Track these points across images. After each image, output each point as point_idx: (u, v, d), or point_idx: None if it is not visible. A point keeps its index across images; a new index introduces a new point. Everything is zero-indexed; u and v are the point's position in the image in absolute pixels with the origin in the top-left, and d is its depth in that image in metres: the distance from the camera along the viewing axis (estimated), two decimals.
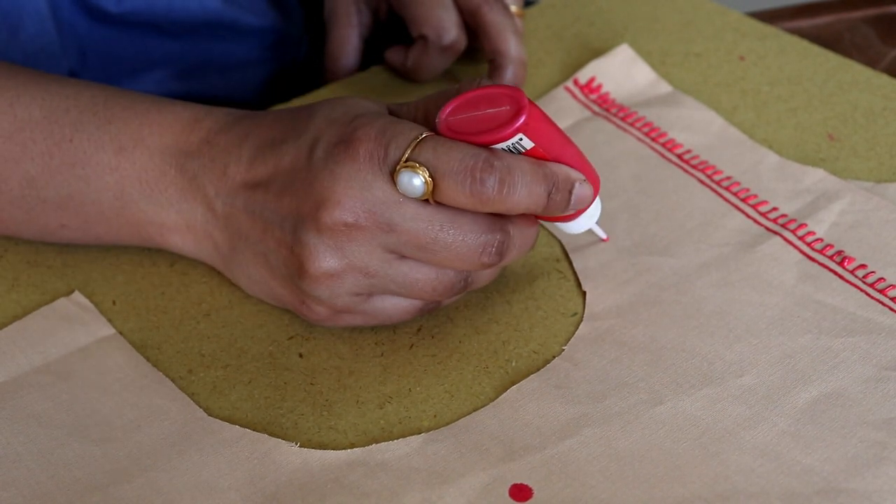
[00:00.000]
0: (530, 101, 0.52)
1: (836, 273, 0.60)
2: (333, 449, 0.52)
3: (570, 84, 0.76)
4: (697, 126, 0.71)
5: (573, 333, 0.58)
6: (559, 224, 0.59)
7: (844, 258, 0.61)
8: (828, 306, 0.59)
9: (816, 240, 0.62)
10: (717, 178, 0.67)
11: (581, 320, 0.59)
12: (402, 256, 0.54)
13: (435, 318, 0.59)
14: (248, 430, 0.53)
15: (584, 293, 0.60)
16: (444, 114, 0.53)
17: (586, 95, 0.75)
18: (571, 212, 0.55)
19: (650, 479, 0.50)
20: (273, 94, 0.88)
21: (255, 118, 0.58)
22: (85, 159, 0.59)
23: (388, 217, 0.52)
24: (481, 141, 0.52)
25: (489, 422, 0.53)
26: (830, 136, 0.72)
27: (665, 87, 0.75)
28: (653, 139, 0.71)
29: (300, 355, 0.58)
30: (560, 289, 0.61)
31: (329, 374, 0.56)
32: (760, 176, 0.67)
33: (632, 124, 0.72)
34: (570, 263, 0.62)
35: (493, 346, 0.58)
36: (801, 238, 0.62)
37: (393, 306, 0.56)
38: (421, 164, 0.51)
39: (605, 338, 0.58)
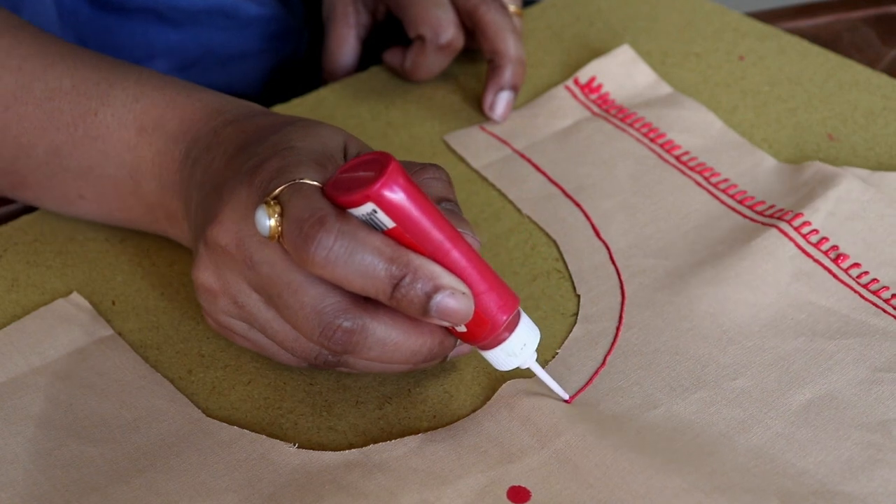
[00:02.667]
0: (406, 179, 0.47)
1: (830, 272, 0.60)
2: (332, 449, 0.52)
3: (570, 83, 0.76)
4: (697, 128, 0.71)
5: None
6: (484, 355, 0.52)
7: (839, 255, 0.61)
8: (821, 308, 0.58)
9: (812, 231, 0.62)
10: (714, 180, 0.67)
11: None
12: (269, 301, 0.51)
13: None
14: (246, 430, 0.53)
15: (577, 295, 0.60)
16: (342, 168, 0.49)
17: (586, 95, 0.75)
18: (437, 322, 0.48)
19: (647, 469, 0.50)
20: (273, 88, 0.88)
21: (264, 117, 0.58)
22: (107, 134, 0.59)
23: (251, 252, 0.50)
24: (336, 200, 0.48)
25: (486, 423, 0.53)
26: (830, 136, 0.72)
27: (665, 89, 0.75)
28: (651, 140, 0.71)
29: None
30: (559, 289, 0.61)
31: (328, 374, 0.56)
32: (758, 179, 0.67)
33: (631, 125, 0.72)
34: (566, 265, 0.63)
35: None
36: (796, 229, 0.62)
37: (276, 350, 0.53)
38: (279, 205, 0.48)
39: (598, 340, 0.57)
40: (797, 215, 0.63)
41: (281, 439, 0.53)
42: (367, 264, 0.47)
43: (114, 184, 0.60)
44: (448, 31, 0.73)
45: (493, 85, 0.73)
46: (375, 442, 0.53)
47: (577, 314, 0.59)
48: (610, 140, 0.71)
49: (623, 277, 0.61)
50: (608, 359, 0.56)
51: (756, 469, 0.51)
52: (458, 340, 0.52)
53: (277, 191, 0.49)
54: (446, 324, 0.48)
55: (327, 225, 0.47)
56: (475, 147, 0.72)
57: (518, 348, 0.51)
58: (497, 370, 0.52)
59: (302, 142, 0.53)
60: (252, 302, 0.51)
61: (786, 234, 0.62)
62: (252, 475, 0.51)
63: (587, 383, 0.55)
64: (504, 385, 0.55)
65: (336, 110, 0.75)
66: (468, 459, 0.51)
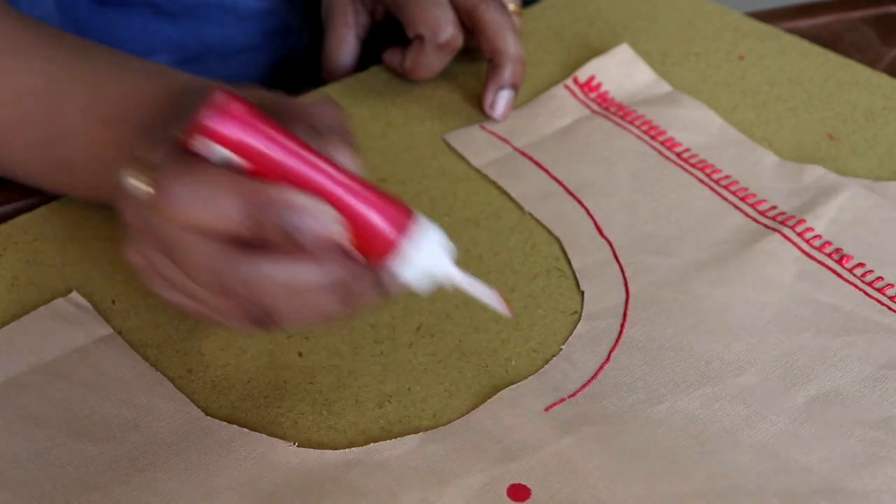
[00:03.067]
0: (247, 108, 0.45)
1: (834, 271, 0.60)
2: (332, 448, 0.52)
3: (569, 82, 0.76)
4: (697, 125, 0.71)
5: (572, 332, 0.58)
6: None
7: (843, 256, 0.61)
8: (826, 305, 0.58)
9: (815, 237, 0.62)
10: (715, 177, 0.67)
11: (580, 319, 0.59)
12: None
13: (434, 316, 0.59)
14: (245, 429, 0.53)
15: (581, 293, 0.60)
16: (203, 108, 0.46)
17: (586, 94, 0.75)
18: (314, 246, 0.46)
19: (648, 475, 0.50)
20: (274, 84, 0.88)
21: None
22: (73, 129, 0.59)
23: (147, 220, 0.48)
24: (185, 145, 0.46)
25: (487, 422, 0.53)
26: (830, 136, 0.72)
27: (665, 87, 0.75)
28: (652, 137, 0.71)
29: (299, 354, 0.58)
30: (560, 287, 0.61)
31: (328, 373, 0.56)
32: (759, 175, 0.67)
33: (631, 122, 0.72)
34: (569, 262, 0.62)
35: (492, 344, 0.58)
36: (799, 234, 0.62)
37: (216, 316, 0.51)
38: (142, 167, 0.47)
39: (602, 337, 0.57)
40: (800, 221, 0.63)
41: (281, 438, 0.53)
42: (220, 203, 0.45)
43: (85, 177, 0.60)
44: (447, 30, 0.73)
45: (494, 84, 0.73)
46: (376, 440, 0.53)
47: (578, 312, 0.59)
48: (610, 138, 0.71)
49: (627, 274, 0.61)
50: (613, 355, 0.56)
51: (758, 468, 0.50)
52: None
53: (138, 152, 0.48)
54: (323, 247, 0.46)
55: (172, 171, 0.45)
56: (475, 146, 0.71)
57: (427, 260, 0.48)
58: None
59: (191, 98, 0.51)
60: (171, 271, 0.49)
61: (789, 239, 0.62)
62: (252, 474, 0.51)
63: (592, 378, 0.55)
64: (506, 389, 0.55)
65: None
66: (468, 458, 0.51)
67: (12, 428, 0.53)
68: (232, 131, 0.45)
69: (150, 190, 0.46)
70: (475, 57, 0.78)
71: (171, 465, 0.51)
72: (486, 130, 0.73)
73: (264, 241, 0.46)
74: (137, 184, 0.47)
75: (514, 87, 0.73)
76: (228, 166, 0.46)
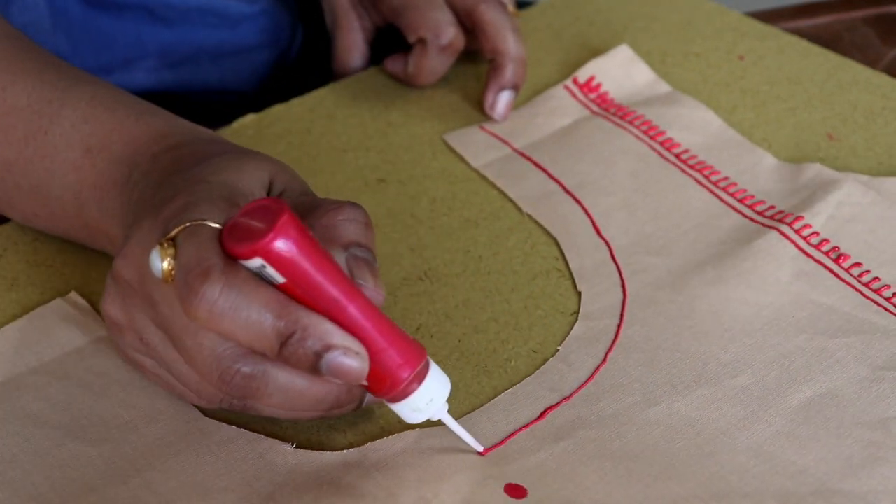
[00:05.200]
0: (300, 231, 0.45)
1: (831, 271, 0.60)
2: (331, 449, 0.52)
3: (569, 83, 0.76)
4: (696, 126, 0.71)
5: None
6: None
7: (840, 255, 0.61)
8: (823, 306, 0.58)
9: (813, 233, 0.62)
10: (714, 178, 0.67)
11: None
12: (171, 341, 0.49)
13: (434, 316, 0.59)
14: (244, 430, 0.53)
15: (578, 293, 0.60)
16: (242, 210, 0.46)
17: (585, 95, 0.75)
18: (331, 380, 0.47)
19: (645, 478, 0.50)
20: (268, 84, 0.88)
21: (202, 144, 0.56)
22: (55, 153, 0.59)
23: (152, 290, 0.48)
24: (228, 250, 0.46)
25: (483, 425, 0.53)
26: (830, 136, 0.72)
27: (664, 88, 0.75)
28: (651, 137, 0.71)
29: None
30: (559, 287, 0.61)
31: None
32: (758, 177, 0.67)
33: (630, 122, 0.72)
34: (567, 263, 0.63)
35: (492, 345, 0.58)
36: (797, 231, 0.62)
37: (184, 389, 0.51)
38: (173, 247, 0.47)
39: (599, 338, 0.57)
40: (798, 218, 0.63)
41: (280, 438, 0.53)
42: (254, 320, 0.45)
43: (60, 204, 0.59)
44: (448, 31, 0.73)
45: (494, 84, 0.73)
46: (375, 441, 0.53)
47: (577, 313, 0.59)
48: (610, 138, 0.71)
49: (624, 275, 0.61)
50: (609, 356, 0.56)
51: (755, 469, 0.51)
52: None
53: (174, 231, 0.47)
54: (340, 382, 0.47)
55: (212, 277, 0.45)
56: (475, 146, 0.72)
57: (423, 403, 0.49)
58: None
59: (218, 175, 0.51)
60: (157, 340, 0.50)
61: (786, 237, 0.62)
62: (250, 475, 0.51)
63: (588, 379, 0.55)
64: (506, 392, 0.55)
65: (336, 110, 0.75)
66: (465, 458, 0.51)
67: (11, 428, 0.53)
68: (287, 254, 0.45)
69: (172, 272, 0.46)
70: (475, 58, 0.78)
71: (170, 465, 0.51)
72: (485, 131, 0.73)
73: (284, 360, 0.47)
74: (161, 263, 0.47)
75: (515, 87, 0.73)
76: (261, 274, 0.46)
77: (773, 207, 0.65)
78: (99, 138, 0.58)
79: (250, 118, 0.74)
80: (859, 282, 0.60)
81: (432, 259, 0.63)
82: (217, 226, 0.47)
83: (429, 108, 0.76)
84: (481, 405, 0.54)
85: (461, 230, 0.65)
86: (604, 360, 0.56)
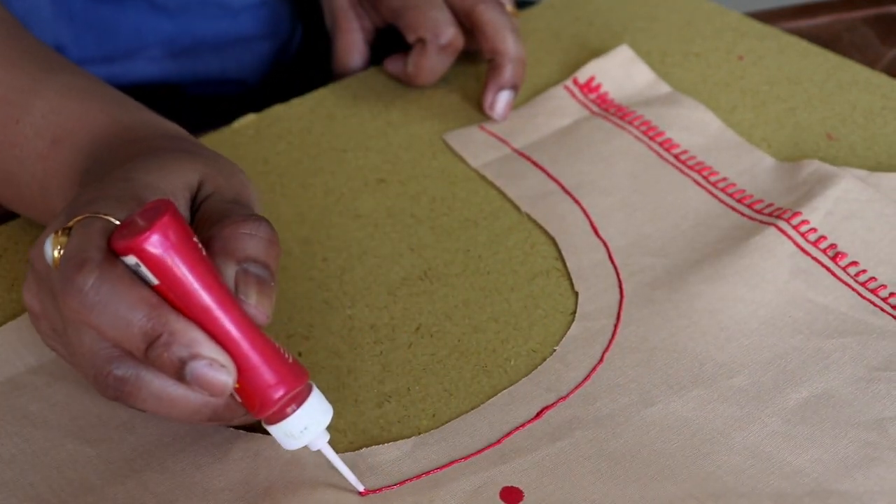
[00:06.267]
0: (180, 234, 0.44)
1: (828, 269, 0.60)
2: (332, 448, 0.52)
3: (569, 83, 0.76)
4: (695, 126, 0.71)
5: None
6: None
7: (837, 254, 0.61)
8: (819, 306, 0.59)
9: (810, 230, 0.62)
10: (713, 179, 0.67)
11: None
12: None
13: (434, 316, 0.60)
14: (241, 430, 0.53)
15: (576, 293, 0.60)
16: (141, 210, 0.45)
17: (585, 95, 0.75)
18: (195, 389, 0.45)
19: (641, 478, 0.50)
20: (269, 76, 0.88)
21: (158, 140, 0.56)
22: (24, 142, 0.59)
23: (53, 280, 0.47)
24: (112, 245, 0.45)
25: (480, 425, 0.53)
26: (829, 136, 0.72)
27: (664, 88, 0.76)
28: (650, 138, 0.71)
29: (299, 354, 0.58)
30: (559, 287, 0.61)
31: (328, 372, 0.56)
32: (756, 178, 0.67)
33: (630, 123, 0.72)
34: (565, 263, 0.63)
35: (491, 344, 0.58)
36: (795, 227, 0.62)
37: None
38: (66, 237, 0.46)
39: (596, 338, 0.58)
40: (795, 214, 0.63)
41: None
42: (122, 317, 0.44)
43: (29, 192, 0.59)
44: (448, 30, 0.73)
45: (494, 84, 0.73)
46: (375, 440, 0.53)
47: (575, 312, 0.59)
48: (609, 138, 0.71)
49: (622, 276, 0.61)
50: (606, 356, 0.56)
51: (751, 469, 0.51)
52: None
53: (71, 222, 0.47)
54: (205, 393, 0.46)
55: (87, 268, 0.44)
56: (474, 146, 0.72)
57: (297, 430, 0.47)
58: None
59: (143, 173, 0.50)
60: (62, 329, 0.49)
61: (784, 233, 0.62)
62: (247, 475, 0.51)
63: (585, 379, 0.55)
64: (502, 392, 0.55)
65: (336, 110, 0.76)
66: (461, 461, 0.51)
67: (9, 428, 0.53)
68: (160, 255, 0.44)
69: (58, 260, 0.46)
70: (474, 58, 0.78)
71: (167, 465, 0.51)
72: (484, 131, 0.73)
73: (150, 363, 0.45)
74: (51, 251, 0.46)
75: (515, 87, 0.73)
76: (138, 274, 0.45)
77: (771, 205, 0.65)
78: (66, 129, 0.58)
79: (250, 118, 0.74)
80: (856, 281, 0.60)
81: (432, 259, 0.63)
82: (115, 221, 0.46)
83: (428, 108, 0.76)
84: (481, 404, 0.54)
85: (461, 230, 0.65)
86: (601, 360, 0.56)
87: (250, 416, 0.49)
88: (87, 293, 0.44)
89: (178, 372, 0.45)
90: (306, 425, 0.47)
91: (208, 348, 0.45)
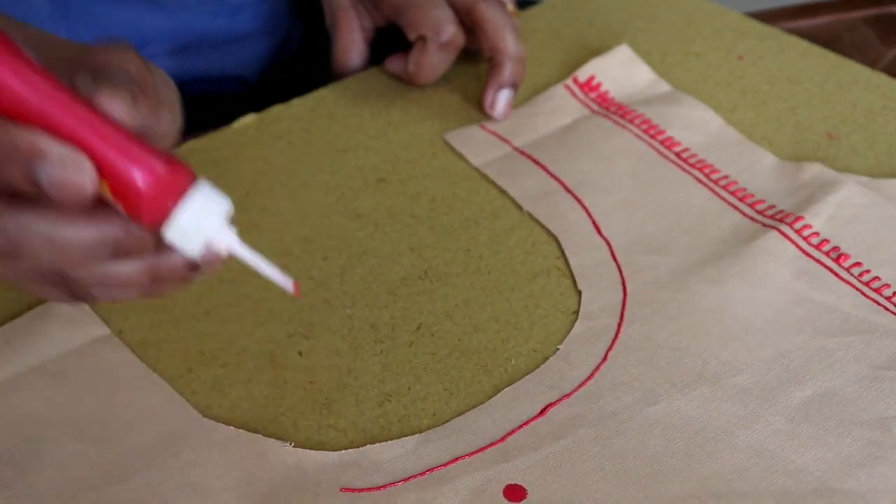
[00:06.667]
0: (7, 42, 0.40)
1: (831, 270, 0.60)
2: (332, 448, 0.52)
3: (569, 82, 0.76)
4: (696, 125, 0.71)
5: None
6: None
7: (840, 255, 0.61)
8: (823, 305, 0.59)
9: (813, 234, 0.62)
10: (714, 176, 0.67)
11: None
12: None
13: (434, 315, 0.59)
14: (242, 430, 0.53)
15: (579, 292, 0.60)
16: None
17: (586, 94, 0.75)
18: (53, 194, 0.41)
19: (644, 477, 0.50)
20: (269, 73, 0.88)
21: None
22: None
23: None
24: None
25: (483, 422, 0.53)
26: (830, 136, 0.72)
27: (664, 87, 0.76)
28: (651, 136, 0.71)
29: (300, 353, 0.58)
30: (560, 286, 0.61)
31: (328, 372, 0.56)
32: (757, 175, 0.67)
33: (630, 121, 0.72)
34: (567, 262, 0.63)
35: (492, 343, 0.58)
36: (797, 231, 0.62)
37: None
38: None
39: (599, 337, 0.58)
40: (798, 218, 0.63)
41: (281, 437, 0.53)
42: None
43: None
44: (449, 28, 0.73)
45: (494, 83, 0.73)
46: (376, 440, 0.53)
47: (577, 311, 0.59)
48: (609, 137, 0.71)
49: (624, 274, 0.61)
50: (609, 354, 0.56)
51: (755, 468, 0.51)
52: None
53: None
54: (74, 199, 0.41)
55: None
56: (475, 145, 0.72)
57: (192, 225, 0.42)
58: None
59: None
60: None
61: (786, 237, 0.62)
62: (248, 474, 0.51)
63: (588, 378, 0.55)
64: (505, 389, 0.55)
65: (336, 110, 0.75)
66: (464, 459, 0.51)
67: (10, 428, 0.53)
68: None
69: None
70: (475, 57, 0.78)
71: (168, 465, 0.51)
72: (485, 130, 0.73)
73: (16, 192, 0.41)
74: None
75: (514, 86, 0.73)
76: None
77: (773, 207, 0.65)
78: None
79: (251, 118, 0.74)
80: (859, 281, 0.60)
81: (432, 258, 0.63)
82: None
83: (429, 107, 0.76)
84: (482, 403, 0.54)
85: (461, 229, 0.65)
86: (604, 359, 0.56)
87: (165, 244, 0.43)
88: None
89: (34, 184, 0.40)
90: (199, 216, 0.42)
91: (50, 146, 0.40)
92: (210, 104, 0.83)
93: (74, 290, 0.46)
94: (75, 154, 0.41)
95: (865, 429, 0.52)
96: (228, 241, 0.43)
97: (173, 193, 0.42)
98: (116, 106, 0.42)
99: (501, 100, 0.73)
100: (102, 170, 0.41)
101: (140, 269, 0.45)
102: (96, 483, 0.50)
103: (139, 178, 0.41)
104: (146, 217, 0.42)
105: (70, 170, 0.40)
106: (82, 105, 0.41)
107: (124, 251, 0.43)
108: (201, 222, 0.42)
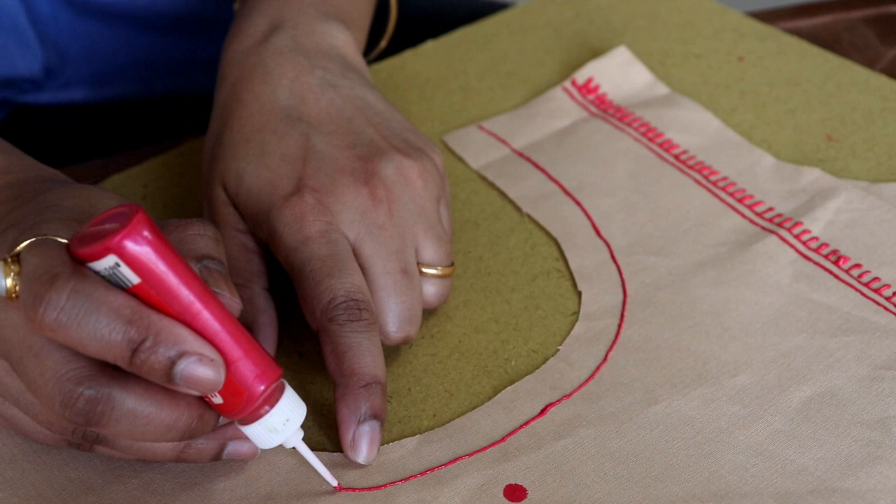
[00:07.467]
0: (154, 230, 0.42)
1: (830, 272, 0.61)
2: (332, 449, 0.52)
3: (567, 84, 0.76)
4: (694, 127, 0.71)
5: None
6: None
7: (839, 257, 0.61)
8: (822, 306, 0.59)
9: (812, 238, 0.62)
10: (713, 178, 0.67)
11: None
12: (15, 369, 0.46)
13: (434, 316, 0.59)
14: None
15: (578, 293, 0.60)
16: (91, 221, 0.44)
17: (584, 96, 0.75)
18: (185, 390, 0.44)
19: (645, 478, 0.50)
20: None
21: (44, 183, 0.52)
22: None
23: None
24: (77, 254, 0.43)
25: (484, 422, 0.53)
26: (829, 137, 0.72)
27: (662, 89, 0.75)
28: (650, 139, 0.71)
29: (300, 354, 0.58)
30: (559, 288, 0.61)
31: (329, 373, 0.56)
32: (756, 177, 0.67)
33: (629, 124, 0.72)
34: (567, 263, 0.63)
35: (492, 345, 0.58)
36: (796, 237, 0.62)
37: (32, 426, 0.49)
38: (18, 264, 0.44)
39: (600, 337, 0.58)
40: (797, 224, 0.63)
41: None
42: (103, 326, 0.42)
43: None
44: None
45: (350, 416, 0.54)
46: None
47: (577, 313, 0.59)
48: (608, 139, 0.71)
49: (624, 275, 0.61)
50: (609, 355, 0.56)
51: (755, 468, 0.51)
52: (227, 422, 0.49)
53: (19, 247, 0.44)
54: (195, 393, 0.44)
55: (59, 283, 0.42)
56: (474, 147, 0.72)
57: (280, 423, 0.47)
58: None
59: (66, 200, 0.48)
60: (2, 371, 0.47)
61: (785, 241, 0.62)
62: (249, 475, 0.51)
63: (589, 378, 0.55)
64: (503, 392, 0.55)
65: None
66: (465, 458, 0.51)
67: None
68: (142, 251, 0.42)
69: (16, 289, 0.44)
70: (474, 57, 0.78)
71: (168, 466, 0.51)
72: (484, 131, 0.73)
73: (136, 370, 0.43)
74: (3, 280, 0.44)
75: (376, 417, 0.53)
76: (112, 279, 0.43)
77: (771, 210, 0.65)
78: None
79: None
80: (859, 282, 0.60)
81: None
82: (62, 240, 0.44)
83: (429, 108, 0.76)
84: (481, 404, 0.54)
85: (461, 231, 0.65)
86: (605, 360, 0.56)
87: (238, 449, 0.49)
88: (63, 307, 0.42)
89: (167, 373, 0.43)
90: (288, 417, 0.47)
91: (195, 344, 0.43)
92: (202, 122, 0.83)
93: (87, 447, 0.48)
94: (213, 353, 0.44)
95: (865, 429, 0.52)
96: (297, 442, 0.48)
97: (271, 396, 0.46)
98: (235, 304, 0.46)
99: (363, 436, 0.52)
100: (227, 366, 0.45)
101: (177, 447, 0.48)
102: (97, 483, 0.50)
103: (258, 387, 0.45)
104: (240, 414, 0.46)
105: (205, 367, 0.43)
106: (215, 302, 0.44)
107: (190, 435, 0.46)
108: (290, 422, 0.47)
